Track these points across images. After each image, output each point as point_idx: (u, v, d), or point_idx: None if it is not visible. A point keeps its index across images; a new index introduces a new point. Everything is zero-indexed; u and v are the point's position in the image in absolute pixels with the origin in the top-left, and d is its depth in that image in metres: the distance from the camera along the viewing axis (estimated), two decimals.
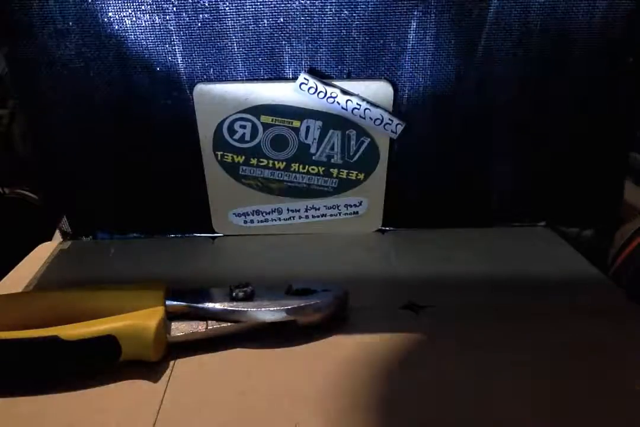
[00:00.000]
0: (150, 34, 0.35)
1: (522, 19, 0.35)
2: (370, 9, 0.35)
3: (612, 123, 0.39)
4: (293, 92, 0.36)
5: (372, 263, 0.39)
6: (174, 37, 0.35)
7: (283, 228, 0.42)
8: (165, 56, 0.36)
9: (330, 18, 0.35)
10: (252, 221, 0.42)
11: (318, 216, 0.42)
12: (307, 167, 0.39)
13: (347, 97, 0.37)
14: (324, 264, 0.38)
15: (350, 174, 0.40)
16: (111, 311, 0.27)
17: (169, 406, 0.25)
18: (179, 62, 0.36)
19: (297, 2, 0.34)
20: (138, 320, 0.27)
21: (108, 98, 0.37)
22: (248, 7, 0.34)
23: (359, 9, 0.35)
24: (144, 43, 0.36)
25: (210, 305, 0.29)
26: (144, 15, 0.35)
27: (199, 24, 0.35)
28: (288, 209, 0.41)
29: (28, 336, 0.25)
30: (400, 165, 0.40)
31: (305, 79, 0.36)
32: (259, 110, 0.37)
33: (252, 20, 0.35)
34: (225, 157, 0.39)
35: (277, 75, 0.37)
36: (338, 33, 0.35)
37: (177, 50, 0.36)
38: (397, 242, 0.41)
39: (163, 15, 0.35)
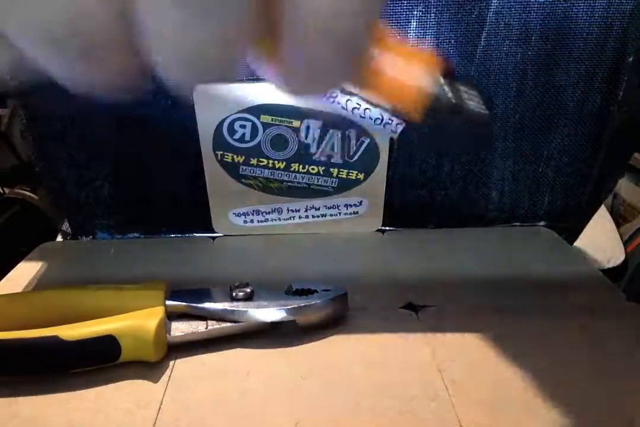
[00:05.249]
0: None
1: (522, 19, 0.35)
2: None
3: (610, 123, 0.39)
4: None
5: (372, 263, 0.39)
6: None
7: (283, 228, 0.42)
8: None
9: None
10: (252, 221, 0.42)
11: (318, 216, 0.42)
12: (307, 167, 0.39)
13: (347, 97, 0.36)
14: (324, 264, 0.38)
15: (350, 174, 0.40)
16: (111, 311, 0.27)
17: (169, 406, 0.25)
18: None
19: None
20: (138, 320, 0.27)
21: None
22: None
23: None
24: None
25: (210, 305, 0.29)
26: None
27: None
28: (288, 209, 0.41)
29: (28, 336, 0.25)
30: (400, 165, 0.40)
31: None
32: (259, 110, 0.37)
33: None
34: (225, 157, 0.39)
35: None
36: None
37: None
38: (397, 242, 0.41)
39: None
